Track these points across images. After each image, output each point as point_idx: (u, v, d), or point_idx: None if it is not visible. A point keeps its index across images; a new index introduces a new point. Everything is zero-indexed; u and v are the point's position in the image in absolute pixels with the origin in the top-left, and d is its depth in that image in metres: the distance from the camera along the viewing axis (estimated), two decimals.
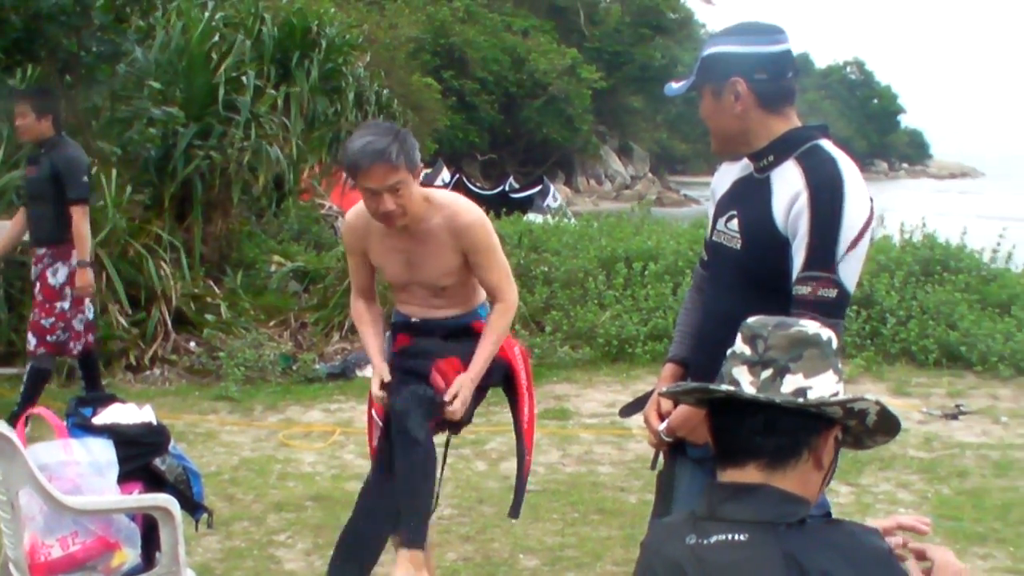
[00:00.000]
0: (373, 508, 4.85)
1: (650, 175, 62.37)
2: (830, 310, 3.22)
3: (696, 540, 2.32)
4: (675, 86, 3.57)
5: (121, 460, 4.49)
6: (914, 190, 72.10)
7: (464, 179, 31.78)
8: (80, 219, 7.93)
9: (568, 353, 11.08)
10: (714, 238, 3.62)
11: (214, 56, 12.90)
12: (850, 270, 3.27)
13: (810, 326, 2.45)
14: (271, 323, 11.48)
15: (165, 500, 4.44)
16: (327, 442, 8.41)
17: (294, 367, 10.53)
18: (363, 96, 16.61)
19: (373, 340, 4.99)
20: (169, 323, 10.79)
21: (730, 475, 2.40)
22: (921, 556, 2.47)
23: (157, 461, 4.69)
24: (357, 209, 4.79)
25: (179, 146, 11.92)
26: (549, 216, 19.30)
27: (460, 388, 4.70)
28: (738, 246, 3.47)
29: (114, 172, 11.03)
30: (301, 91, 14.62)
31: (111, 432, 4.59)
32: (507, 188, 33.18)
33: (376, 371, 4.86)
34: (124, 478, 4.50)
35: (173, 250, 11.39)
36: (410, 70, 34.19)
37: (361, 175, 4.46)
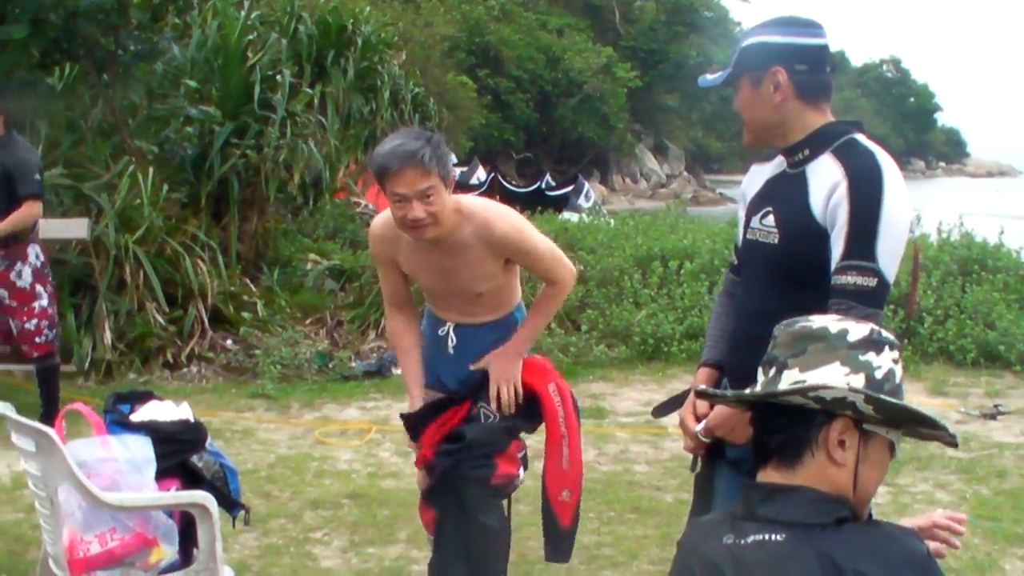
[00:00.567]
0: None
1: (686, 173, 62.26)
2: (869, 299, 3.22)
3: (733, 540, 2.32)
4: (710, 77, 3.57)
5: (159, 457, 4.50)
6: (951, 189, 71.63)
7: (499, 177, 31.77)
8: (28, 212, 7.64)
9: (604, 352, 11.06)
10: (748, 236, 3.61)
11: (250, 54, 12.95)
12: (889, 260, 3.26)
13: (817, 320, 2.44)
14: (307, 321, 11.51)
15: (202, 497, 4.46)
16: (363, 440, 8.42)
17: (330, 365, 10.55)
18: (398, 94, 16.63)
19: (411, 368, 4.88)
20: (206, 321, 10.84)
21: (760, 475, 2.41)
22: None
23: (194, 458, 4.70)
24: (384, 217, 4.62)
25: (215, 144, 11.98)
26: (584, 215, 19.28)
27: (501, 384, 4.64)
28: (775, 241, 3.46)
29: (151, 171, 11.08)
30: (337, 89, 14.66)
31: (149, 429, 4.60)
32: (543, 185, 33.14)
33: (411, 404, 4.83)
34: (161, 475, 4.51)
35: (210, 248, 11.43)
36: (445, 68, 34.24)
37: (390, 178, 4.27)
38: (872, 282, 3.23)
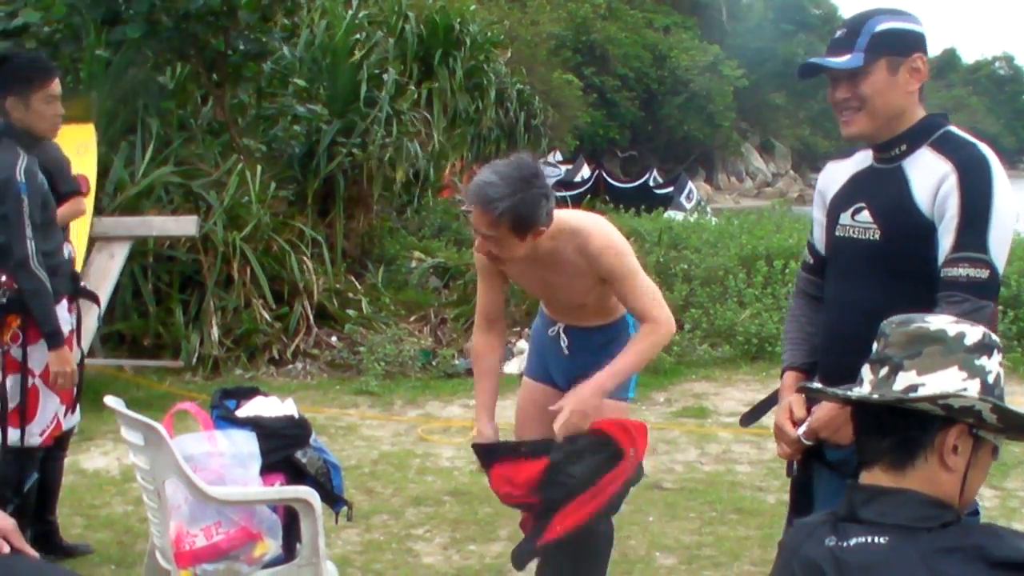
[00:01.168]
0: None
1: (791, 172, 61.75)
2: (982, 291, 3.20)
3: (836, 542, 2.30)
4: (838, 60, 3.42)
5: (264, 452, 4.54)
6: None
7: (604, 174, 31.73)
8: (73, 208, 7.35)
9: (707, 351, 11.01)
10: (837, 233, 3.57)
11: (357, 53, 13.05)
12: (1000, 251, 3.24)
13: (935, 322, 2.40)
14: (411, 318, 11.56)
15: (306, 492, 4.50)
16: (466, 437, 8.44)
17: (434, 362, 10.59)
18: (504, 93, 16.69)
19: (483, 395, 4.81)
20: (311, 318, 10.94)
21: (865, 477, 2.38)
22: None
23: (299, 454, 4.74)
24: None
25: (322, 143, 12.08)
26: (687, 213, 19.20)
27: (568, 412, 4.44)
28: (875, 237, 3.42)
29: (259, 168, 11.21)
30: (443, 88, 14.73)
31: (254, 424, 4.65)
32: (650, 182, 33.01)
33: (479, 434, 4.77)
34: (266, 470, 4.56)
35: (315, 245, 11.54)
36: (551, 67, 34.24)
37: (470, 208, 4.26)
38: (985, 273, 3.20)
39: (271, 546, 4.50)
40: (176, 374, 10.02)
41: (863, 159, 3.56)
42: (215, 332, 10.22)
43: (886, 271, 3.40)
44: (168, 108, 11.23)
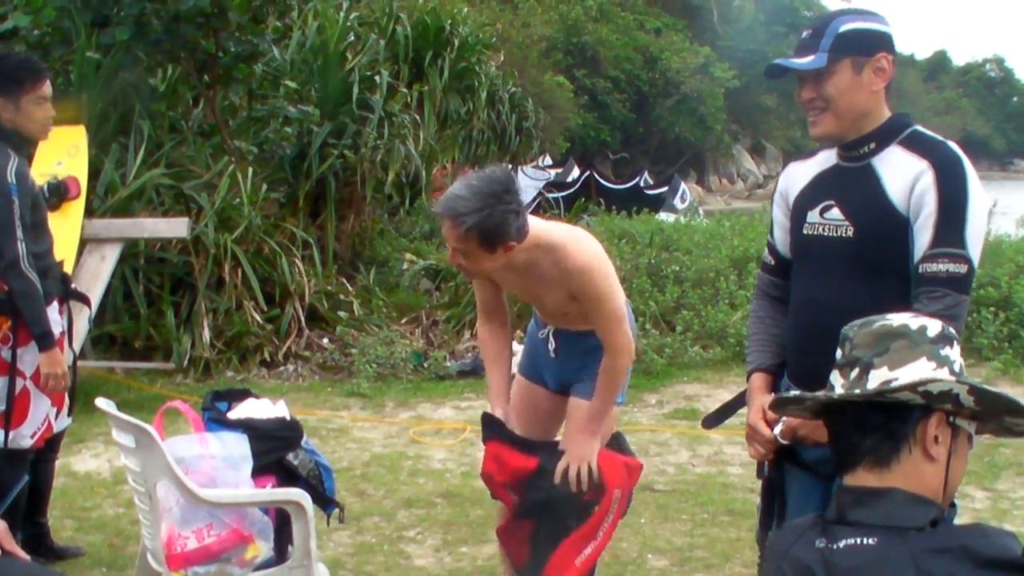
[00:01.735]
0: None
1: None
2: (960, 286, 3.27)
3: (825, 544, 2.31)
4: (802, 61, 3.46)
5: (255, 454, 4.55)
6: None
7: (595, 175, 31.75)
8: None
9: (699, 353, 11.01)
10: (805, 232, 3.58)
11: (348, 55, 13.05)
12: (976, 247, 3.31)
13: (896, 318, 2.44)
14: (403, 320, 11.57)
15: (297, 495, 4.50)
16: (457, 439, 8.45)
17: (425, 364, 10.60)
18: (495, 95, 16.69)
19: (495, 381, 4.87)
20: (303, 320, 10.94)
21: (849, 479, 2.39)
22: None
23: (290, 456, 4.74)
24: None
25: (314, 144, 12.07)
26: (680, 216, 19.21)
27: (574, 463, 4.57)
28: (848, 233, 3.45)
29: (250, 170, 11.21)
30: (434, 90, 14.74)
31: (246, 427, 4.65)
32: (641, 183, 33.05)
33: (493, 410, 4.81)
34: (258, 472, 4.56)
35: (307, 247, 11.54)
36: (542, 69, 34.23)
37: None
38: (963, 268, 3.27)
39: (263, 548, 4.50)
40: (167, 376, 10.01)
41: (826, 158, 3.60)
42: (206, 334, 10.21)
43: (861, 267, 3.43)
44: (159, 110, 11.23)
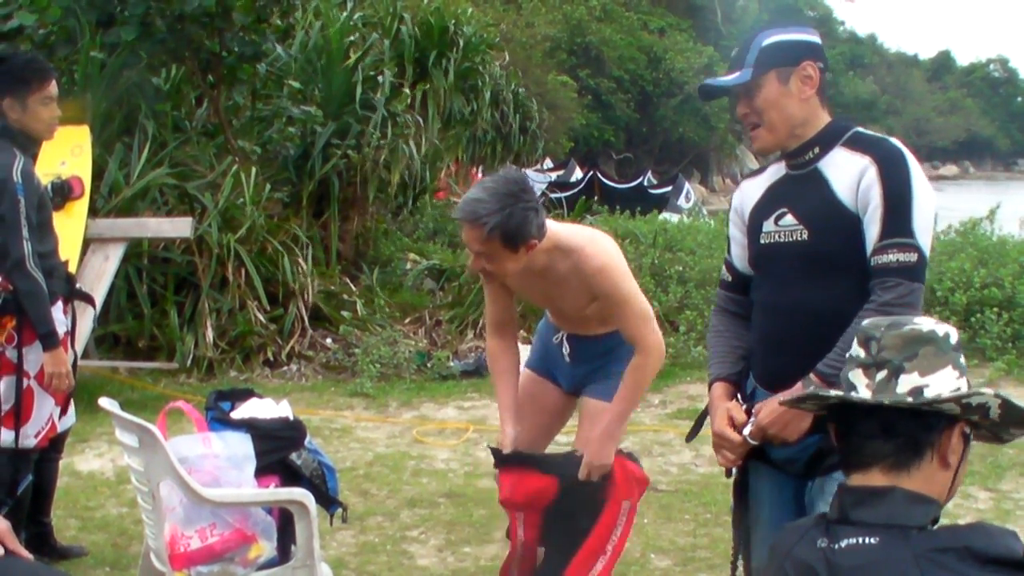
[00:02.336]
0: None
1: None
2: (912, 274, 3.31)
3: (827, 544, 2.32)
4: (726, 78, 3.58)
5: (258, 454, 4.55)
6: None
7: (599, 174, 31.76)
8: None
9: (702, 353, 10.98)
10: (763, 241, 3.63)
11: (352, 55, 13.04)
12: (925, 236, 3.35)
13: (924, 323, 2.44)
14: (406, 320, 11.57)
15: (301, 494, 4.50)
16: (460, 439, 8.45)
17: (428, 364, 10.60)
18: (499, 95, 16.69)
19: (504, 396, 4.81)
20: (306, 319, 10.94)
21: (857, 479, 2.39)
22: None
23: (293, 456, 4.74)
24: None
25: (317, 144, 12.08)
26: (684, 215, 19.20)
27: (594, 471, 4.59)
28: (803, 237, 3.50)
29: (254, 170, 11.21)
30: (438, 90, 14.74)
31: (249, 426, 4.65)
32: (645, 183, 33.05)
33: (503, 435, 4.76)
34: (261, 472, 4.56)
35: (310, 247, 11.53)
36: (546, 69, 34.19)
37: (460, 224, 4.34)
38: (914, 257, 3.31)
39: (266, 548, 4.51)
40: (171, 376, 10.01)
41: (776, 171, 3.67)
42: (210, 334, 10.21)
43: (820, 269, 3.48)
44: (163, 110, 11.23)
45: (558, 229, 4.48)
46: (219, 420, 4.73)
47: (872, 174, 3.34)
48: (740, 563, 3.78)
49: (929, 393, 2.34)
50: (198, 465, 4.40)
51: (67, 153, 8.16)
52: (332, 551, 6.02)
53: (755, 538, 3.71)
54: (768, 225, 3.59)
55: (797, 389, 3.31)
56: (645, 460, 7.50)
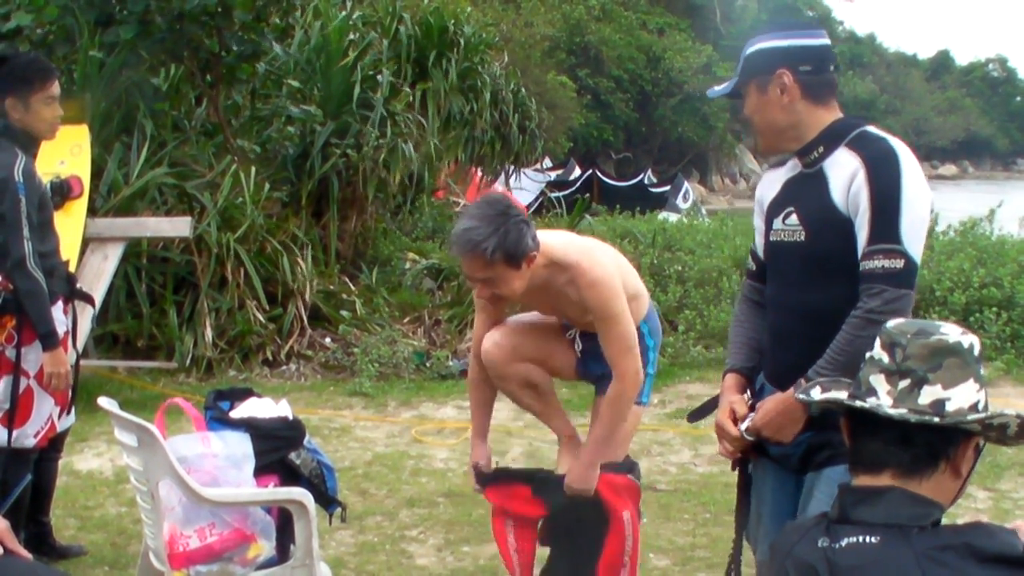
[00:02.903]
0: None
1: None
2: (899, 280, 3.31)
3: (828, 543, 2.32)
4: (718, 88, 3.72)
5: (257, 453, 4.56)
6: None
7: (598, 173, 31.81)
8: None
9: (701, 352, 11.01)
10: (772, 238, 3.68)
11: (351, 55, 13.04)
12: (914, 240, 3.33)
13: (951, 333, 2.41)
14: (405, 320, 11.56)
15: (300, 494, 4.51)
16: (459, 439, 8.45)
17: (427, 364, 10.60)
18: (499, 95, 16.67)
19: (477, 421, 4.97)
20: (305, 319, 10.93)
21: (863, 480, 2.39)
22: None
23: (292, 455, 4.75)
24: None
25: (316, 144, 12.06)
26: (683, 215, 19.21)
27: (573, 490, 4.67)
28: (801, 238, 3.53)
29: (253, 170, 11.20)
30: (437, 90, 14.72)
31: (248, 426, 4.66)
32: (645, 181, 33.09)
33: (473, 454, 4.91)
34: (260, 471, 4.57)
35: (310, 247, 11.52)
36: (545, 68, 34.22)
37: (458, 258, 4.37)
38: (899, 263, 3.31)
39: (265, 547, 4.51)
40: (170, 375, 10.01)
41: (794, 165, 3.67)
42: (209, 333, 10.21)
43: (815, 271, 3.51)
44: (162, 109, 11.22)
45: (554, 243, 4.52)
46: (218, 419, 4.74)
47: (861, 176, 3.35)
48: (740, 562, 3.81)
49: (950, 407, 2.34)
50: (197, 464, 4.40)
51: (66, 152, 8.15)
52: (331, 550, 6.03)
53: (759, 533, 3.74)
54: (777, 223, 3.63)
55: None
56: (644, 460, 7.50)
